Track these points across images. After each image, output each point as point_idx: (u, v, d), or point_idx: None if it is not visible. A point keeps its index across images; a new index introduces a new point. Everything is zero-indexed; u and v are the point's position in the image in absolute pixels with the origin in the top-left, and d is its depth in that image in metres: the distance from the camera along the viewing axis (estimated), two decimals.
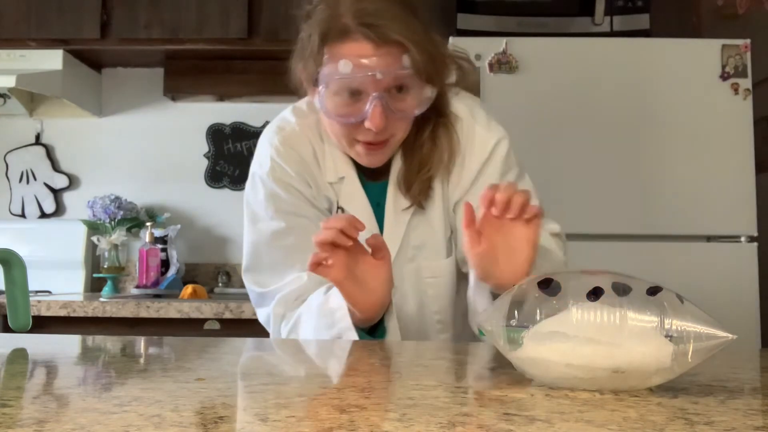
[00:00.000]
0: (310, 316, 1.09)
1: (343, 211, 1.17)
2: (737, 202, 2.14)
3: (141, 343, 0.97)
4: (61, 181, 2.84)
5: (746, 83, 2.15)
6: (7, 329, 0.98)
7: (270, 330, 1.18)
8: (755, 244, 2.14)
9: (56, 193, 2.85)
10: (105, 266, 2.64)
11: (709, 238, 2.16)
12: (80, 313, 2.10)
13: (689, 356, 0.55)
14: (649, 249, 2.14)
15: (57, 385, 0.61)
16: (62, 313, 2.10)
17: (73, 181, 2.85)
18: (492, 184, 0.98)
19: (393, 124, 1.07)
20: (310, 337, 1.08)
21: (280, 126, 1.19)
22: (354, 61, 1.01)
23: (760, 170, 2.18)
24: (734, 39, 2.18)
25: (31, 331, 0.89)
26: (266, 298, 1.17)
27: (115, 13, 2.49)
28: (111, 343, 0.94)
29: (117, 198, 2.66)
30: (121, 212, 2.65)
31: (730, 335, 0.55)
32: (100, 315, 2.10)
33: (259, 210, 1.18)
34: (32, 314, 0.87)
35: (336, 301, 1.04)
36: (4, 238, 2.67)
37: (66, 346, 0.94)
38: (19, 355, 0.80)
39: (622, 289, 0.56)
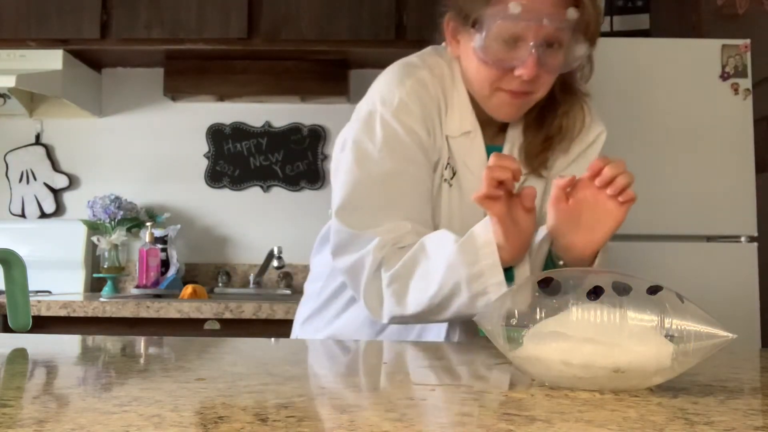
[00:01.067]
0: (440, 254, 1.04)
1: (451, 168, 1.16)
2: (737, 202, 2.14)
3: (141, 343, 0.97)
4: (61, 181, 2.84)
5: (746, 83, 2.15)
6: (7, 329, 0.98)
7: (354, 277, 1.11)
8: (755, 244, 2.14)
9: (56, 193, 2.85)
10: (105, 266, 2.64)
11: (709, 238, 2.16)
12: (80, 313, 2.10)
13: (689, 356, 0.55)
14: (649, 249, 2.14)
15: (57, 385, 0.61)
16: (62, 313, 2.10)
17: (73, 181, 2.85)
18: (604, 156, 1.01)
19: (540, 77, 1.09)
20: (434, 275, 1.03)
21: (410, 70, 1.17)
22: (524, 4, 1.04)
23: (760, 170, 2.18)
24: (734, 39, 2.18)
25: (31, 331, 0.89)
26: (359, 241, 1.11)
27: (115, 13, 2.50)
28: (111, 343, 0.94)
29: (117, 198, 2.66)
30: (121, 212, 2.65)
31: (730, 335, 0.55)
32: (100, 315, 2.10)
33: (370, 149, 1.13)
34: (32, 314, 0.87)
35: (484, 237, 1.02)
36: (4, 238, 2.67)
37: (66, 346, 0.94)
38: (19, 355, 0.80)
39: (622, 289, 0.56)
